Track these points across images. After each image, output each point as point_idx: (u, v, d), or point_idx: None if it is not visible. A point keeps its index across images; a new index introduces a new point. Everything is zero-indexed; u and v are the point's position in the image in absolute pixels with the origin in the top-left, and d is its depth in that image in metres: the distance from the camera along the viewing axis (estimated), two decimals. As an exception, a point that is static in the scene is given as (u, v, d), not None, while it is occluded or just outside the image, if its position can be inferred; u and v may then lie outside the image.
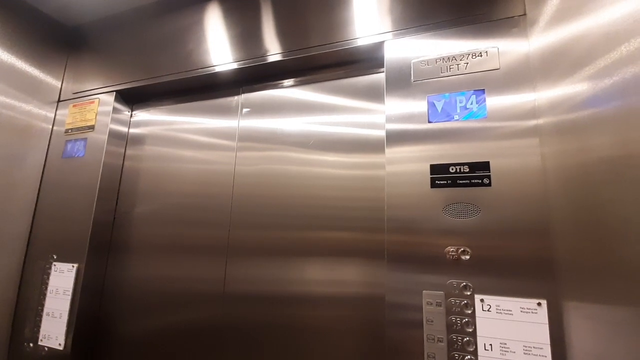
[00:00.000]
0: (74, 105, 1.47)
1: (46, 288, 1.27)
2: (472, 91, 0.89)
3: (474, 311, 0.77)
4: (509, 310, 0.74)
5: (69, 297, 1.22)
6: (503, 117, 0.85)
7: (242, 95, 1.31)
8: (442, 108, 0.91)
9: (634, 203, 0.51)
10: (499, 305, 0.75)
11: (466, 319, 0.78)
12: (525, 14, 0.89)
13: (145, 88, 1.39)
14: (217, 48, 1.27)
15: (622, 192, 0.53)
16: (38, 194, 1.41)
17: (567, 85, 0.70)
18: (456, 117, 0.89)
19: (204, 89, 1.36)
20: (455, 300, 0.80)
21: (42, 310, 1.25)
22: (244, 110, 1.29)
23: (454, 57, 0.93)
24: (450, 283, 0.81)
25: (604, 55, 0.57)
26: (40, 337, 1.23)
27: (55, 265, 1.28)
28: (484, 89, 0.88)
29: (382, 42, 1.03)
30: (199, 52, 1.29)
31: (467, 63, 0.91)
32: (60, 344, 1.20)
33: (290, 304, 1.07)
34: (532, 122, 0.82)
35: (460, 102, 0.90)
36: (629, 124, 0.52)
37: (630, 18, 0.51)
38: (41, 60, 1.46)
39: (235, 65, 1.22)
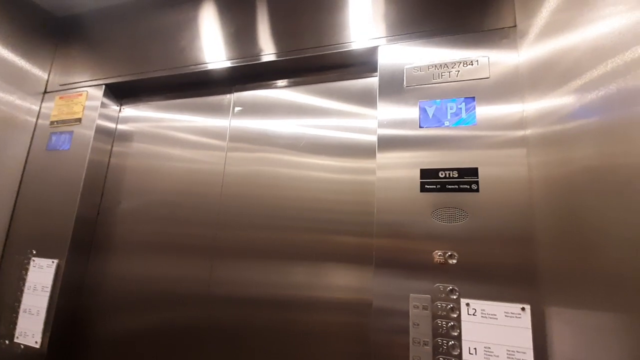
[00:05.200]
0: (60, 97, 1.43)
1: (24, 284, 1.23)
2: (463, 98, 0.91)
3: (459, 315, 0.78)
4: (494, 315, 0.76)
5: (48, 294, 1.19)
6: (492, 126, 0.87)
7: (235, 93, 1.30)
8: (433, 114, 0.92)
9: (614, 213, 0.52)
10: (484, 310, 0.77)
11: (452, 323, 0.79)
12: (515, 26, 0.91)
13: (135, 83, 1.37)
14: (211, 45, 1.27)
15: (603, 202, 0.55)
16: (19, 186, 1.37)
17: (554, 98, 0.71)
18: (446, 123, 0.90)
19: (196, 86, 1.35)
20: (441, 304, 0.80)
21: (19, 306, 1.21)
22: (236, 109, 1.28)
23: (446, 65, 0.95)
24: (437, 287, 0.82)
25: (590, 69, 0.59)
26: (17, 335, 1.19)
27: (34, 260, 1.24)
28: (474, 97, 0.90)
29: (376, 47, 1.05)
30: (192, 49, 1.28)
31: (459, 71, 0.93)
32: (36, 342, 1.16)
33: (276, 307, 1.06)
34: (520, 133, 0.84)
35: (450, 109, 0.91)
36: (613, 137, 0.53)
37: (616, 33, 0.53)
38: (28, 49, 1.42)
39: (228, 64, 1.21)
